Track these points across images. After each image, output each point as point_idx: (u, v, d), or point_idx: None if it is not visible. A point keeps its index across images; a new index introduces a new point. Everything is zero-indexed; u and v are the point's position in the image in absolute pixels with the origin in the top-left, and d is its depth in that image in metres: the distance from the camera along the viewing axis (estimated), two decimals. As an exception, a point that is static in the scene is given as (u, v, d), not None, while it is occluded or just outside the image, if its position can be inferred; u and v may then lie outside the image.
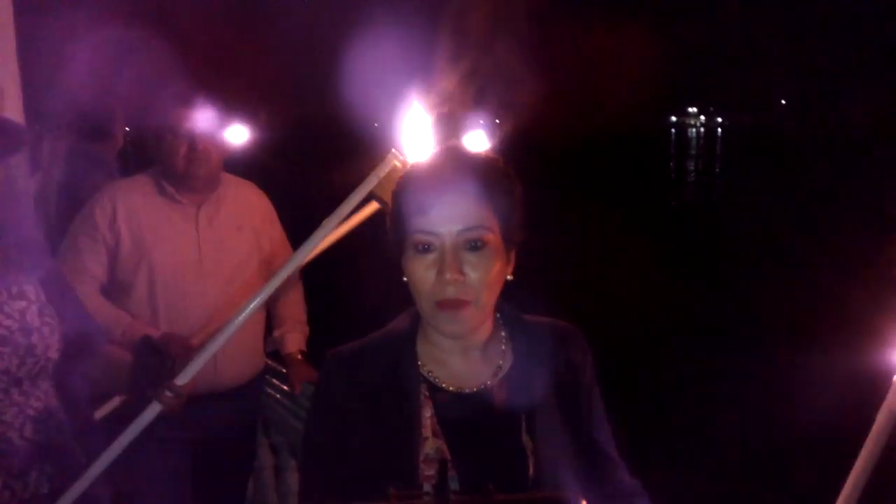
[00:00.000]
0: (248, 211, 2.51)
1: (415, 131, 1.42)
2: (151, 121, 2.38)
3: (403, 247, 1.22)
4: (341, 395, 1.24)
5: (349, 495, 0.81)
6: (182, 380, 1.59)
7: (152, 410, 1.58)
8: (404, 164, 1.51)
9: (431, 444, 1.20)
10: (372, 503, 0.71)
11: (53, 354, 1.57)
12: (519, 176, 1.27)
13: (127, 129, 3.69)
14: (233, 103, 2.42)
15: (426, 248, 1.19)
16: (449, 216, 1.18)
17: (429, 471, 1.18)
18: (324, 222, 1.57)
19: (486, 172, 1.21)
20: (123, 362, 1.67)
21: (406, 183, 1.25)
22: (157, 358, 1.63)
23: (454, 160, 1.23)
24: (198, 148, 2.32)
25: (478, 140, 1.36)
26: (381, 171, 1.49)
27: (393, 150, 1.49)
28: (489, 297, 1.22)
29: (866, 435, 1.18)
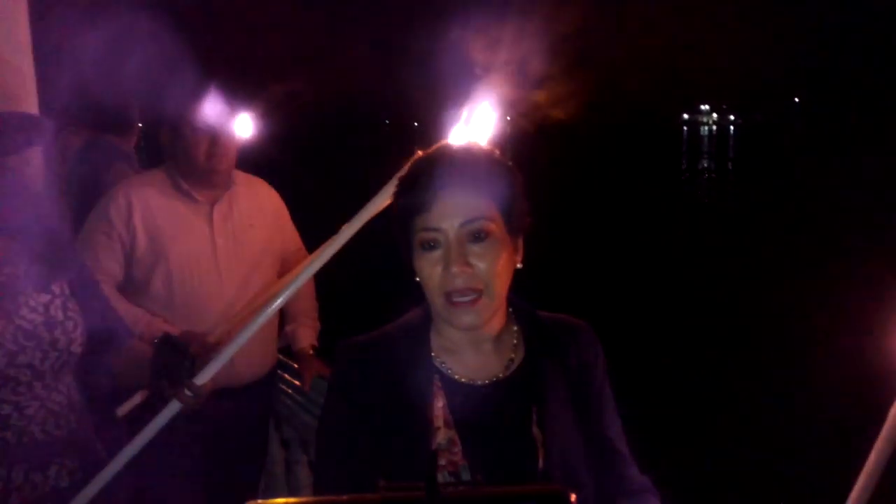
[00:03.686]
0: (261, 208, 2.52)
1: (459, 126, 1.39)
2: (167, 115, 2.37)
3: (411, 246, 1.24)
4: (355, 384, 1.26)
5: (362, 486, 0.82)
6: (201, 379, 1.59)
7: (172, 409, 1.58)
8: None
9: (443, 435, 1.21)
10: (361, 495, 0.73)
11: (77, 349, 1.59)
12: (527, 171, 1.27)
13: (140, 124, 3.71)
14: (246, 97, 2.42)
15: (431, 245, 1.21)
16: (450, 211, 1.19)
17: (441, 461, 1.20)
18: (343, 228, 1.57)
19: (482, 164, 1.23)
20: (146, 357, 1.68)
21: (404, 182, 1.26)
22: (177, 356, 1.63)
23: (450, 155, 1.25)
24: (219, 143, 2.33)
25: (479, 133, 1.35)
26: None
27: (418, 151, 1.49)
28: (500, 286, 1.23)
29: (877, 430, 1.17)
